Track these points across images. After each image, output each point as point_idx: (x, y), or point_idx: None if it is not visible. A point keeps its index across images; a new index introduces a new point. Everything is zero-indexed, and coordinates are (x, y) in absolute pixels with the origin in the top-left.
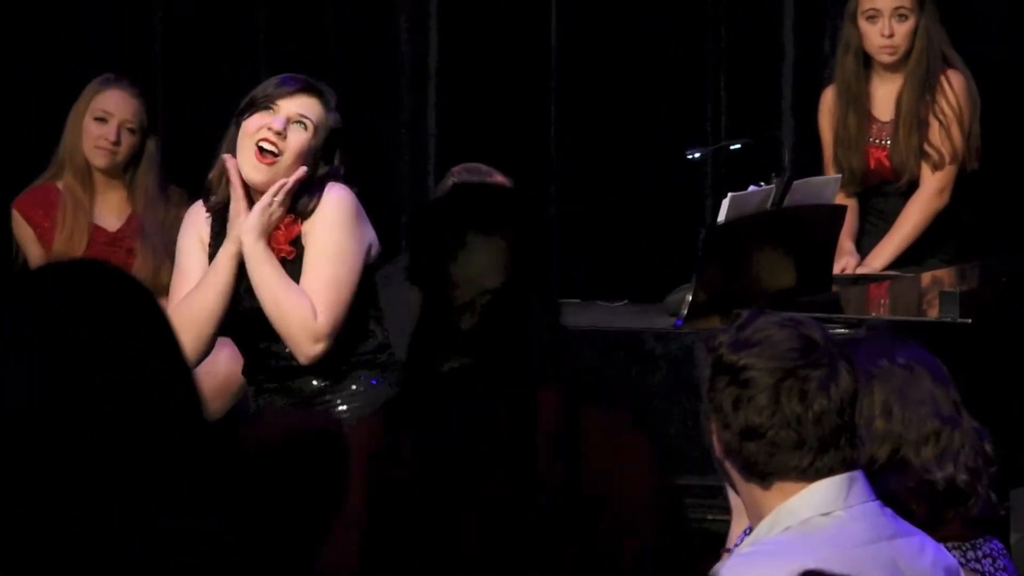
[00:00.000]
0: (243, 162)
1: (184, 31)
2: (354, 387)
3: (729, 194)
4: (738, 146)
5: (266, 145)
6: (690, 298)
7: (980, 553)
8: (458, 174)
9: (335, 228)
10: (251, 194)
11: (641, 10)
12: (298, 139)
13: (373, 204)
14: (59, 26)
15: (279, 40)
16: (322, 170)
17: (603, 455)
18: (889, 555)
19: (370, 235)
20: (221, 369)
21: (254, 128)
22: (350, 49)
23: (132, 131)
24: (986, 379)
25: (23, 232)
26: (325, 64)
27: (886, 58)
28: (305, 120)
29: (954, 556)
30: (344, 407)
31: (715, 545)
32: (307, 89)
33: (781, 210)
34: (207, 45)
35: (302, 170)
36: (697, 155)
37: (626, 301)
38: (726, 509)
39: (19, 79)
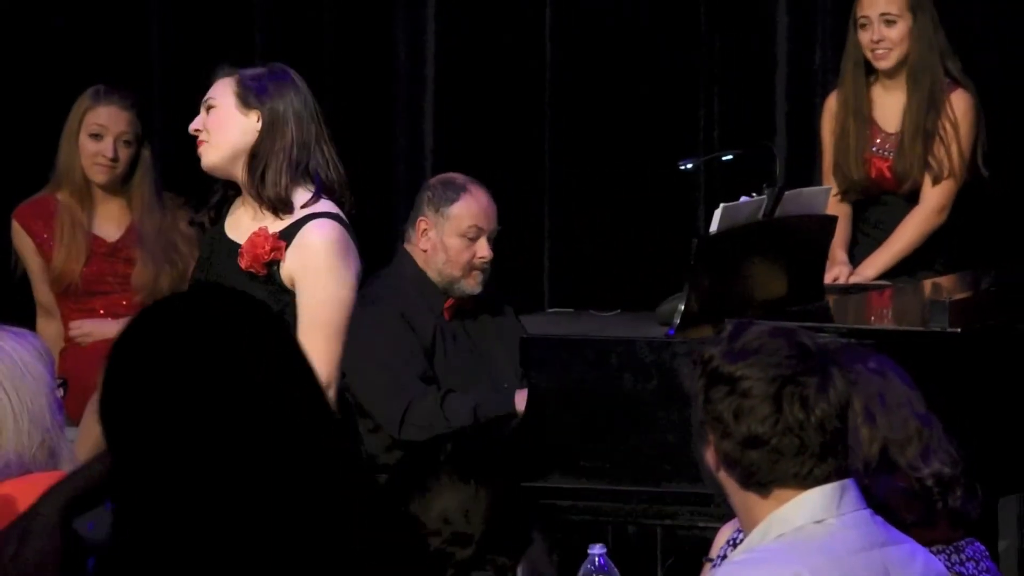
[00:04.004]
0: None
1: (181, 37)
2: None
3: (721, 204)
4: (730, 157)
5: (194, 134)
6: (682, 307)
7: (964, 556)
8: (434, 187)
9: (325, 275)
10: (226, 187)
11: (634, 21)
12: (213, 117)
13: (368, 218)
14: (55, 33)
15: (276, 45)
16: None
17: None
18: (880, 563)
19: (357, 265)
20: None
21: (192, 130)
22: (347, 58)
23: (128, 143)
24: (975, 388)
25: (23, 243)
26: (321, 72)
27: (881, 63)
28: (210, 100)
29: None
30: None
31: (705, 552)
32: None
33: (772, 220)
34: (205, 50)
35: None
36: (689, 165)
37: (619, 311)
38: (717, 516)
39: (16, 86)
